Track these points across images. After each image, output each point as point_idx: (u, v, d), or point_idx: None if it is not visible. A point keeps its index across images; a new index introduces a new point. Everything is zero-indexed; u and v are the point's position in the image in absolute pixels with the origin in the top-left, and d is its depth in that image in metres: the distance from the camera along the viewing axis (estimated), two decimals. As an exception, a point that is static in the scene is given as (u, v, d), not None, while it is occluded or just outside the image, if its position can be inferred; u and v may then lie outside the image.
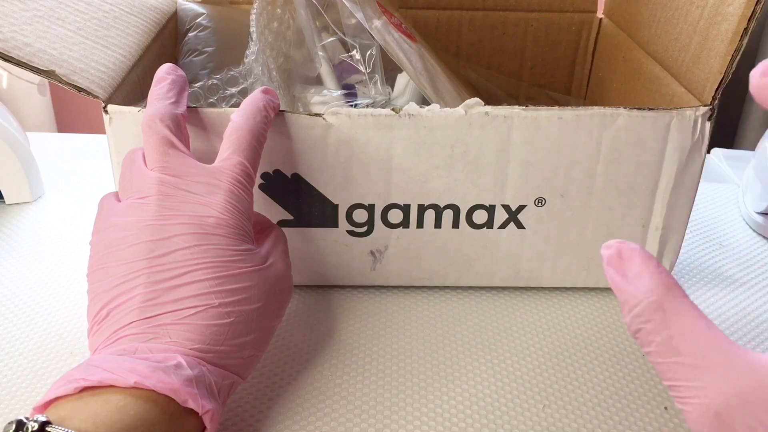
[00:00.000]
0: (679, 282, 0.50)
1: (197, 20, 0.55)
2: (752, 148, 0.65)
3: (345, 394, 0.39)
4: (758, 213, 0.59)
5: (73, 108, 1.73)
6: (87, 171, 0.65)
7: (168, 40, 0.56)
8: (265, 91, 0.40)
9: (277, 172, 0.42)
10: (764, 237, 0.58)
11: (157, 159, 0.36)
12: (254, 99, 0.39)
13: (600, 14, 0.64)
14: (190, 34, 0.54)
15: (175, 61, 0.56)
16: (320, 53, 0.47)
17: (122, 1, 0.51)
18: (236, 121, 0.38)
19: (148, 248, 0.33)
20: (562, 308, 0.47)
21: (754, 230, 0.59)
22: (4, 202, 0.59)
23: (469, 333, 0.45)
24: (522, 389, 0.40)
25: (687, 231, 0.57)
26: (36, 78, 1.57)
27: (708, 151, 0.74)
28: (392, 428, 0.37)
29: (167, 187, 0.35)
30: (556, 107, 0.41)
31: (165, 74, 0.39)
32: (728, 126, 1.29)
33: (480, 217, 0.44)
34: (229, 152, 0.37)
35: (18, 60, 0.39)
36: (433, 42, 0.64)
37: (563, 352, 0.43)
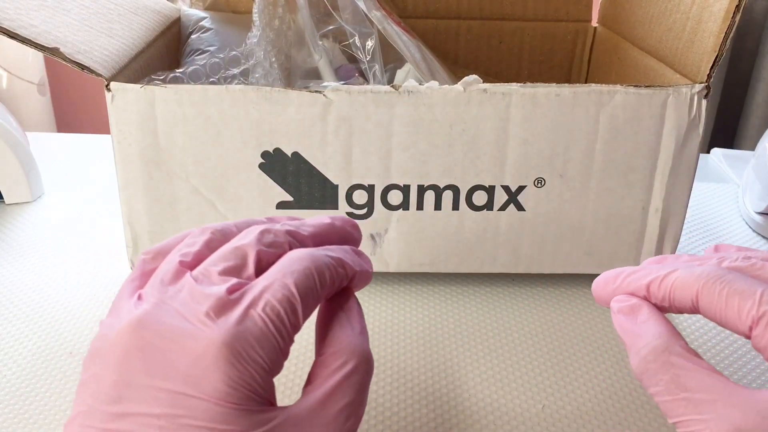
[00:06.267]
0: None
1: (200, 23, 0.57)
2: (752, 148, 0.65)
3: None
4: (758, 213, 0.58)
5: (72, 108, 1.75)
6: (86, 171, 0.65)
7: (171, 41, 0.57)
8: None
9: (277, 150, 0.42)
10: (764, 237, 0.58)
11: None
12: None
13: (594, 23, 0.66)
14: (193, 36, 0.55)
15: (178, 61, 0.57)
16: (319, 42, 0.47)
17: (126, 2, 0.52)
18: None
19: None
20: (562, 307, 0.47)
21: (753, 230, 0.59)
22: (3, 202, 0.59)
23: (469, 333, 0.44)
24: (521, 389, 0.39)
25: (687, 231, 0.57)
26: (36, 78, 1.59)
27: (708, 151, 0.75)
28: (392, 429, 0.36)
29: None
30: (554, 84, 0.41)
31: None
32: (728, 126, 1.30)
33: (480, 198, 0.44)
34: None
35: (23, 37, 0.40)
36: (431, 51, 0.65)
37: (563, 352, 0.43)
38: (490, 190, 0.44)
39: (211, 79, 0.45)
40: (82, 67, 0.41)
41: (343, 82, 0.52)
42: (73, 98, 1.75)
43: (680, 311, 0.29)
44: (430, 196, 0.44)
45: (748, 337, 0.26)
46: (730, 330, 0.27)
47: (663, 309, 0.29)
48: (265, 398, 0.25)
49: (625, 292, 0.30)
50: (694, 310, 0.28)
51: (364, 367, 0.27)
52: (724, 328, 0.30)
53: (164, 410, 0.24)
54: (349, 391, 0.26)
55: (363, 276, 0.31)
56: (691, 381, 0.25)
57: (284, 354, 0.26)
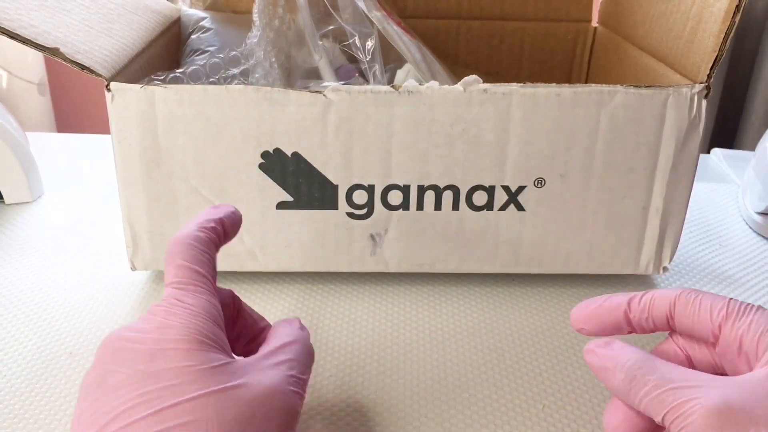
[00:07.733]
0: (680, 282, 0.51)
1: (200, 23, 0.56)
2: (752, 148, 0.65)
3: (345, 396, 0.39)
4: (758, 213, 0.59)
5: (72, 108, 1.74)
6: (86, 171, 0.65)
7: (171, 41, 0.57)
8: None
9: (277, 150, 0.42)
10: (764, 237, 0.58)
11: None
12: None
13: (595, 23, 0.66)
14: (192, 36, 0.55)
15: (178, 61, 0.57)
16: (320, 42, 0.47)
17: (126, 2, 0.52)
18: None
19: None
20: (562, 308, 0.47)
21: (753, 230, 0.59)
22: (3, 202, 0.59)
23: (469, 333, 0.44)
24: (521, 389, 0.39)
25: (687, 231, 0.57)
26: (36, 78, 1.59)
27: (708, 151, 0.75)
28: (390, 430, 0.36)
29: None
30: (554, 84, 0.41)
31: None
32: (728, 126, 1.29)
33: (480, 198, 0.44)
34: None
35: (23, 38, 0.40)
36: (432, 51, 0.65)
37: (563, 352, 0.43)
38: (490, 190, 0.44)
39: (211, 79, 0.45)
40: (82, 67, 0.41)
41: (343, 82, 0.52)
42: (73, 98, 1.75)
43: (654, 325, 0.32)
44: (430, 196, 0.44)
45: (716, 338, 0.30)
46: (697, 337, 0.31)
47: (639, 326, 0.32)
48: (219, 346, 0.29)
49: (606, 309, 0.33)
50: (669, 318, 0.31)
51: (302, 342, 0.32)
52: (692, 337, 0.32)
53: (138, 367, 0.28)
54: (288, 351, 0.31)
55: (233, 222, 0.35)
56: (677, 376, 0.27)
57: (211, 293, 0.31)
